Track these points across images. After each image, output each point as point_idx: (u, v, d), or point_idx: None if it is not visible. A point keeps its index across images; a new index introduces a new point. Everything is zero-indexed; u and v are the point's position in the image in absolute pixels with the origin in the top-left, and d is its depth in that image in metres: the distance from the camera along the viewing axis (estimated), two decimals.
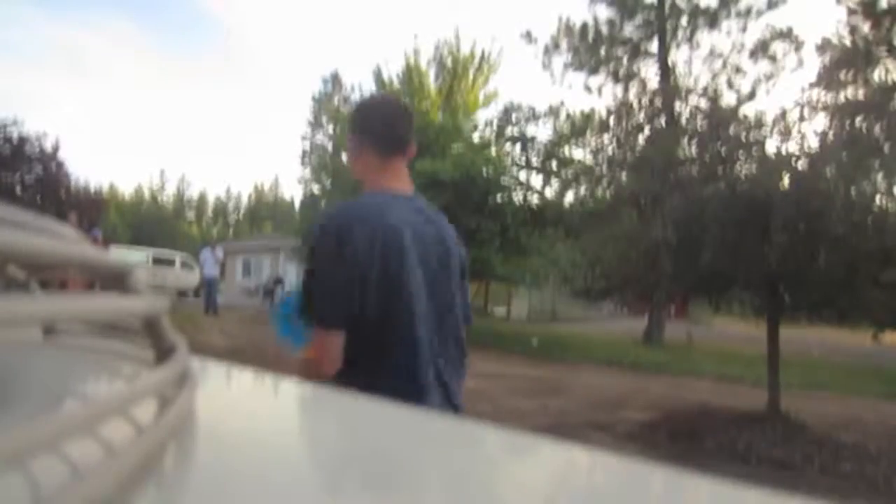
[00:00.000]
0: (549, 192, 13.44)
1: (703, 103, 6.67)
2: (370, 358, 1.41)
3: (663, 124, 6.96)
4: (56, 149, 16.17)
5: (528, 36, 14.10)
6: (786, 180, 5.63)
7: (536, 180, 14.23)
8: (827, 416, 6.44)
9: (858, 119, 5.46)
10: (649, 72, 13.73)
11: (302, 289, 1.45)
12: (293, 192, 73.80)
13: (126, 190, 61.60)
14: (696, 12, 13.17)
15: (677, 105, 6.85)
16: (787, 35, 12.06)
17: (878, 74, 5.91)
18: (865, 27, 6.21)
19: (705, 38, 13.51)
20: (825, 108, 5.80)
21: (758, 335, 6.60)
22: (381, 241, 1.38)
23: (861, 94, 5.78)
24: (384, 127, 1.54)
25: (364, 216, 1.41)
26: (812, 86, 6.06)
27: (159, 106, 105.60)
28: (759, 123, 6.05)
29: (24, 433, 0.21)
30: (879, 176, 5.34)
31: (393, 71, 16.93)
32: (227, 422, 0.45)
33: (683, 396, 7.54)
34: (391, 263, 1.39)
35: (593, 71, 13.67)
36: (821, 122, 5.85)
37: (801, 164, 5.63)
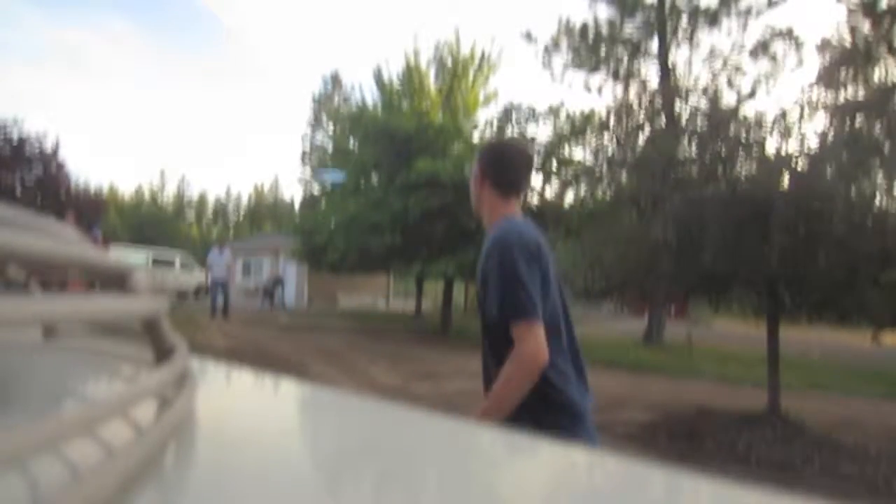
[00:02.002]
0: (549, 193, 13.43)
1: (703, 103, 6.67)
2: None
3: (663, 124, 6.96)
4: (56, 149, 16.17)
5: (528, 36, 14.11)
6: (786, 180, 5.63)
7: (536, 180, 14.23)
8: (827, 416, 6.43)
9: (858, 119, 5.46)
10: (649, 72, 13.74)
11: (485, 293, 1.63)
12: (293, 192, 73.74)
13: (126, 190, 61.72)
14: (696, 12, 13.17)
15: (677, 105, 6.85)
16: (787, 35, 12.06)
17: (878, 74, 5.91)
18: (865, 27, 6.21)
19: (705, 37, 13.52)
20: (825, 107, 5.79)
21: (758, 335, 6.60)
22: (545, 255, 1.63)
23: (861, 93, 5.78)
24: (507, 175, 1.78)
25: (530, 233, 1.65)
26: (812, 85, 6.06)
27: (159, 106, 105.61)
28: (759, 123, 6.05)
29: (24, 433, 0.21)
30: (879, 176, 5.34)
31: (393, 71, 16.89)
32: (226, 422, 0.45)
33: (683, 397, 7.54)
34: (548, 273, 1.63)
35: (593, 71, 13.67)
36: (821, 121, 5.84)
37: (801, 164, 5.63)
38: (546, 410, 1.54)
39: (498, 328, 1.59)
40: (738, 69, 12.47)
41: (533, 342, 1.50)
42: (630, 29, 13.66)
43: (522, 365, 1.51)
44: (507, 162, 1.79)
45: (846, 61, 5.92)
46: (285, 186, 76.05)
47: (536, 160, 13.75)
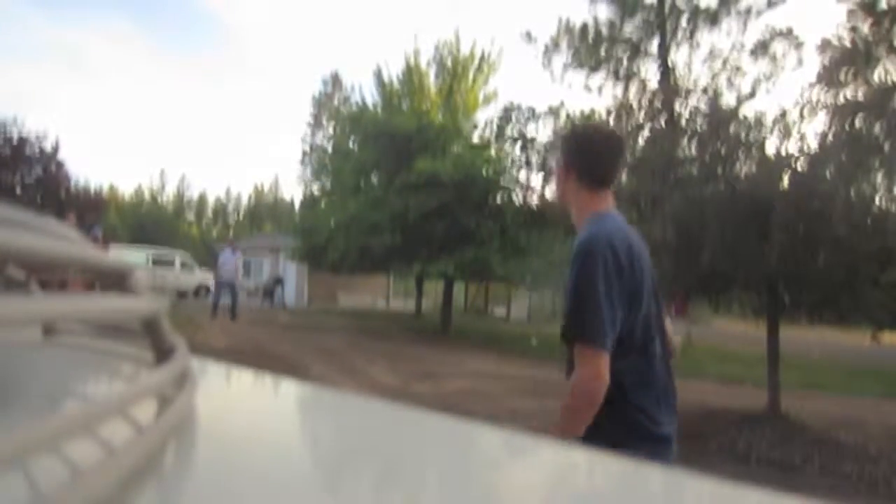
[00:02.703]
0: (549, 193, 13.43)
1: (703, 103, 6.67)
2: (629, 374, 1.43)
3: (663, 124, 6.96)
4: (56, 149, 16.18)
5: (528, 36, 14.10)
6: (786, 180, 5.63)
7: (536, 180, 14.23)
8: (827, 416, 6.43)
9: (858, 119, 5.45)
10: (649, 72, 13.72)
11: (571, 307, 1.47)
12: (293, 192, 73.75)
13: (126, 190, 61.67)
14: (696, 12, 13.16)
15: (677, 105, 6.85)
16: (787, 35, 12.05)
17: (878, 74, 5.90)
18: (865, 27, 6.20)
19: (705, 37, 13.44)
20: (825, 107, 5.79)
21: (758, 335, 6.60)
22: (638, 261, 1.46)
23: (861, 93, 5.77)
24: (597, 166, 1.56)
25: (622, 237, 1.46)
26: (812, 85, 6.06)
27: (159, 106, 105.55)
28: (759, 123, 6.05)
29: (24, 433, 0.21)
30: (879, 176, 5.34)
31: (393, 71, 16.88)
32: (226, 422, 0.45)
33: (683, 396, 7.51)
34: (641, 284, 1.46)
35: (593, 71, 13.66)
36: (821, 121, 5.84)
37: (801, 164, 5.63)
38: (626, 435, 1.42)
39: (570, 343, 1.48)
40: (738, 69, 12.46)
41: (592, 369, 1.38)
42: (630, 29, 13.65)
43: (578, 393, 1.41)
44: (595, 151, 1.57)
45: (846, 61, 5.92)
46: (285, 186, 76.06)
47: (536, 160, 13.76)
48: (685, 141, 6.39)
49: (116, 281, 0.35)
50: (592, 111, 11.50)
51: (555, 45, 13.78)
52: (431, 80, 16.77)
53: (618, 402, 1.41)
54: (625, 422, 1.43)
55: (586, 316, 1.40)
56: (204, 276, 23.27)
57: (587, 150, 1.57)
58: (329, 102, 40.09)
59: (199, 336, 9.60)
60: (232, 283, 13.51)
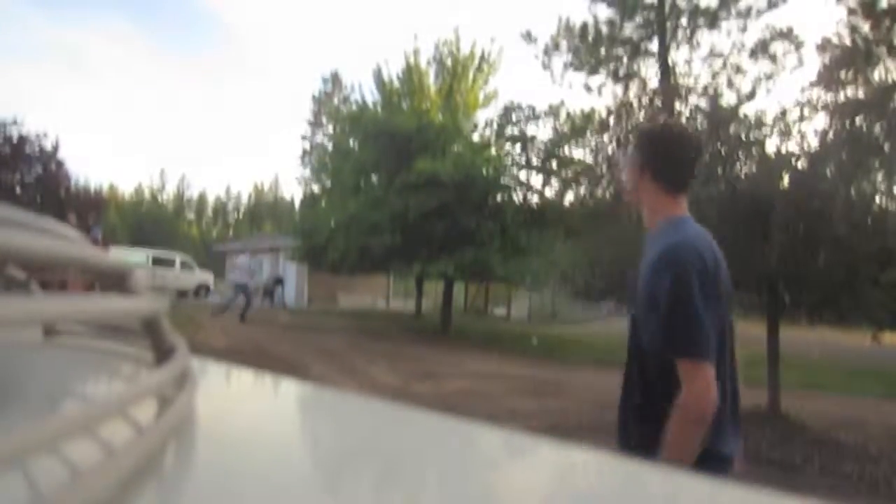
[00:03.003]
0: (549, 192, 13.43)
1: (704, 103, 6.67)
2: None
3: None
4: (56, 148, 16.17)
5: (528, 36, 14.09)
6: (786, 180, 5.63)
7: (536, 180, 14.23)
8: (827, 416, 6.43)
9: (858, 118, 5.46)
10: (649, 71, 13.72)
11: (672, 319, 1.38)
12: (293, 191, 73.72)
13: (126, 190, 61.63)
14: (696, 12, 13.16)
15: (677, 104, 6.85)
16: (787, 35, 12.05)
17: (877, 74, 5.91)
18: (865, 27, 6.20)
19: (705, 37, 13.44)
20: (825, 107, 5.80)
21: (757, 335, 6.60)
22: (720, 268, 1.43)
23: (861, 93, 5.78)
24: (675, 169, 1.52)
25: (706, 244, 1.42)
26: (812, 85, 6.06)
27: (159, 106, 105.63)
28: (759, 123, 6.05)
29: (24, 433, 0.21)
30: (879, 176, 5.35)
31: (393, 71, 16.86)
32: (227, 422, 0.45)
33: None
34: (723, 292, 1.43)
35: (593, 70, 13.66)
36: (821, 121, 5.85)
37: (801, 164, 5.64)
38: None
39: (656, 358, 1.40)
40: (738, 69, 12.46)
41: (701, 384, 1.32)
42: (630, 29, 13.65)
43: (689, 412, 1.32)
44: (674, 153, 1.52)
45: (846, 61, 5.92)
46: (285, 186, 76.10)
47: (536, 160, 13.77)
48: None
49: (116, 281, 0.35)
50: (593, 110, 11.50)
51: (555, 45, 13.77)
52: (431, 79, 16.75)
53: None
54: None
55: (689, 331, 1.35)
56: (204, 276, 23.28)
57: (666, 152, 1.53)
58: (329, 101, 40.10)
59: (200, 336, 9.60)
60: (245, 286, 13.80)
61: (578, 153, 12.19)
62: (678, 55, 13.50)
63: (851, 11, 6.29)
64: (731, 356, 1.49)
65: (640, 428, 1.48)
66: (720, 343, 1.41)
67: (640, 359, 1.47)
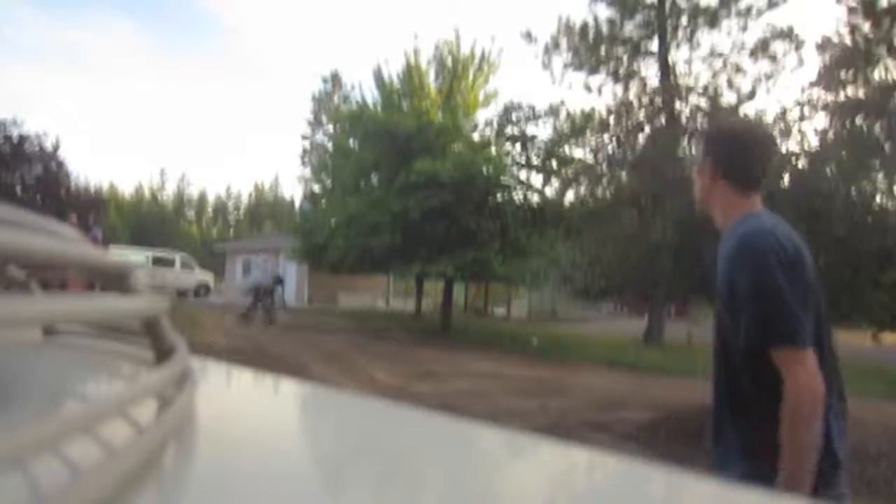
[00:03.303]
0: (550, 192, 13.43)
1: (704, 102, 6.68)
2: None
3: (663, 123, 6.96)
4: (56, 148, 16.19)
5: (528, 36, 14.08)
6: (786, 179, 5.63)
7: (536, 180, 14.23)
8: None
9: (858, 118, 5.46)
10: (649, 71, 13.71)
11: (758, 309, 1.32)
12: (293, 191, 73.68)
13: (126, 190, 61.56)
14: (696, 12, 13.14)
15: (677, 104, 6.86)
16: (787, 34, 12.04)
17: (878, 74, 5.91)
18: (865, 26, 6.20)
19: (705, 37, 13.41)
20: (825, 107, 5.80)
21: None
22: (804, 257, 1.38)
23: (861, 93, 5.78)
24: (747, 168, 1.48)
25: (785, 232, 1.38)
26: (812, 85, 6.06)
27: (159, 105, 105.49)
28: (760, 122, 6.05)
29: (24, 433, 0.21)
30: (879, 176, 5.35)
31: (393, 70, 16.85)
32: (227, 422, 0.45)
33: (683, 397, 7.54)
34: (810, 280, 1.37)
35: (593, 70, 13.65)
36: (821, 121, 5.85)
37: (802, 164, 5.64)
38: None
39: (750, 354, 1.33)
40: (738, 69, 12.46)
41: (805, 372, 1.25)
42: (630, 28, 13.64)
43: (800, 403, 1.24)
44: (746, 151, 1.48)
45: (846, 61, 5.92)
46: (285, 186, 76.13)
47: (536, 159, 13.76)
48: (685, 140, 6.39)
49: (116, 281, 0.35)
50: (593, 110, 11.49)
51: (555, 44, 13.77)
52: (431, 79, 16.74)
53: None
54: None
55: (781, 318, 1.29)
56: (204, 276, 23.31)
57: (737, 150, 1.49)
58: (329, 101, 40.09)
59: (200, 335, 9.60)
60: (260, 287, 14.46)
61: (579, 152, 12.18)
62: (678, 55, 13.47)
63: (851, 11, 6.29)
64: (830, 352, 1.40)
65: (740, 435, 1.38)
66: (817, 335, 1.34)
67: (732, 357, 1.39)
